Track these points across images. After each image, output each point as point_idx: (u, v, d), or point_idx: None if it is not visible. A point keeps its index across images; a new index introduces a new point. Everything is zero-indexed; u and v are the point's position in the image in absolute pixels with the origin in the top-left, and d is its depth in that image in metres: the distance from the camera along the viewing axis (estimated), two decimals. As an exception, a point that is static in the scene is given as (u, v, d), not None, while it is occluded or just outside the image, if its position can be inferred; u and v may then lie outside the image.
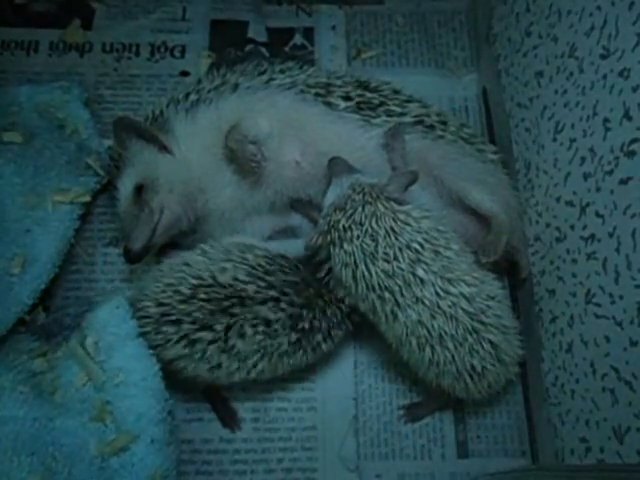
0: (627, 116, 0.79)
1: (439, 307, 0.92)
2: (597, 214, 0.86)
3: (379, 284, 0.92)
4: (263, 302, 0.96)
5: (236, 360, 0.96)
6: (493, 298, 0.96)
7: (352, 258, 0.92)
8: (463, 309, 0.92)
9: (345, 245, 0.92)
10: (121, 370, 0.94)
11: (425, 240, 0.92)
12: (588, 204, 0.89)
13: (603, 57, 0.84)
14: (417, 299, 0.92)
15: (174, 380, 0.98)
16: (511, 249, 1.09)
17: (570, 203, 0.94)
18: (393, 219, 0.92)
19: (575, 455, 0.92)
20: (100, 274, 1.20)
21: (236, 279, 0.97)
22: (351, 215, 0.93)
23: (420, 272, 0.91)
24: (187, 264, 1.00)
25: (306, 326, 0.98)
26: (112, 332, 0.95)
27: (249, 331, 0.95)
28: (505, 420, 1.12)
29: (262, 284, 0.97)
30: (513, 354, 0.98)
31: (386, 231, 0.91)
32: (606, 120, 0.84)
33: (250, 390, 1.11)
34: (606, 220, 0.84)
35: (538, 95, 1.05)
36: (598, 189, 0.86)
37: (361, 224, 0.92)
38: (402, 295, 0.92)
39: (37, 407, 0.93)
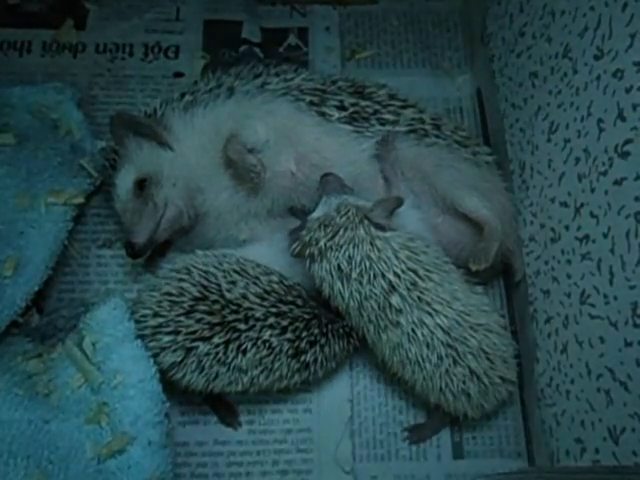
0: (621, 117, 0.79)
1: (415, 333, 0.94)
2: (591, 214, 0.86)
3: (355, 303, 0.94)
4: (270, 326, 0.97)
5: (236, 372, 0.96)
6: (479, 327, 0.96)
7: (329, 275, 0.94)
8: (439, 339, 0.94)
9: (324, 262, 0.94)
10: (118, 372, 0.94)
11: (402, 271, 0.93)
12: (582, 205, 0.89)
13: (597, 58, 0.84)
14: (396, 323, 0.94)
15: (171, 385, 0.98)
16: (506, 252, 1.09)
17: (564, 204, 0.94)
18: (371, 244, 0.93)
19: (570, 456, 0.92)
20: (94, 276, 1.19)
21: (244, 297, 0.97)
22: (332, 237, 0.94)
23: (394, 301, 0.93)
24: (189, 271, 1.00)
25: (309, 359, 0.99)
26: (110, 333, 0.95)
27: (251, 348, 0.96)
28: (501, 421, 1.11)
29: (273, 310, 0.97)
30: (497, 378, 0.98)
31: (362, 257, 0.93)
32: (600, 121, 0.84)
33: (245, 392, 1.11)
34: (600, 221, 0.84)
35: (532, 95, 1.05)
36: (592, 190, 0.86)
37: (340, 246, 0.93)
38: (380, 317, 0.94)
39: (32, 409, 0.92)
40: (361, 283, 0.93)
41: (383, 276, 0.93)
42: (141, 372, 0.94)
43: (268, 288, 0.99)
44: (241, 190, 1.08)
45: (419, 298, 0.93)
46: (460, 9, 1.46)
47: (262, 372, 0.97)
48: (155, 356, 0.95)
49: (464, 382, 0.96)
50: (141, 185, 1.06)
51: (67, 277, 1.18)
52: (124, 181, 1.08)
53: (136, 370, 0.94)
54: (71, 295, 1.17)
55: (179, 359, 0.95)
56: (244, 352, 0.95)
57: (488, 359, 0.96)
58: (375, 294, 0.93)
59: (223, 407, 1.10)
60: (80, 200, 1.15)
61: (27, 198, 1.10)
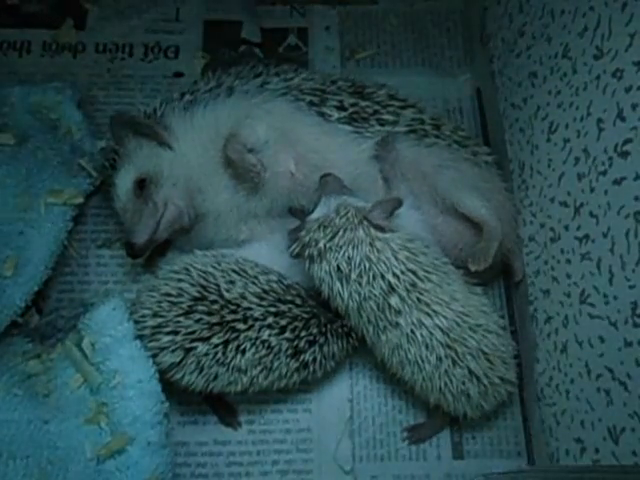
0: (620, 116, 0.79)
1: (414, 334, 0.94)
2: (591, 214, 0.86)
3: (355, 304, 0.95)
4: (269, 326, 0.97)
5: (235, 372, 0.96)
6: (478, 327, 0.96)
7: (328, 275, 0.94)
8: (438, 340, 0.94)
9: (323, 263, 0.94)
10: (117, 372, 0.94)
11: (402, 272, 0.93)
12: (582, 204, 0.89)
13: (596, 58, 0.84)
14: (395, 324, 0.94)
15: (170, 385, 0.98)
16: (506, 252, 1.09)
17: (564, 203, 0.94)
18: (370, 245, 0.94)
19: (570, 456, 0.92)
20: (93, 276, 1.19)
21: (243, 297, 0.97)
22: (331, 238, 0.94)
23: (393, 302, 0.93)
24: (188, 271, 1.00)
25: (307, 358, 0.99)
26: (109, 334, 0.95)
27: (250, 348, 0.96)
28: (500, 421, 1.11)
29: (272, 310, 0.97)
30: (497, 379, 0.98)
31: (361, 258, 0.93)
32: (600, 120, 0.84)
33: (244, 392, 1.11)
34: (600, 220, 0.84)
35: (532, 95, 1.05)
36: (592, 189, 0.86)
37: (339, 247, 0.94)
38: (380, 318, 0.94)
39: (32, 409, 0.93)
40: (360, 284, 0.93)
41: (382, 277, 0.93)
42: (140, 372, 0.94)
43: (267, 287, 0.99)
44: (241, 190, 1.08)
45: (418, 299, 0.94)
46: (460, 9, 1.46)
47: (261, 372, 0.97)
48: (154, 356, 0.95)
49: (464, 383, 0.96)
50: (141, 185, 1.06)
51: (66, 277, 1.18)
52: (124, 181, 1.08)
53: (135, 370, 0.94)
54: (70, 295, 1.17)
55: (178, 359, 0.95)
56: (243, 352, 0.95)
57: (487, 360, 0.96)
58: (374, 295, 0.93)
59: (223, 407, 1.10)
60: (80, 200, 1.15)
61: (27, 198, 1.10)
